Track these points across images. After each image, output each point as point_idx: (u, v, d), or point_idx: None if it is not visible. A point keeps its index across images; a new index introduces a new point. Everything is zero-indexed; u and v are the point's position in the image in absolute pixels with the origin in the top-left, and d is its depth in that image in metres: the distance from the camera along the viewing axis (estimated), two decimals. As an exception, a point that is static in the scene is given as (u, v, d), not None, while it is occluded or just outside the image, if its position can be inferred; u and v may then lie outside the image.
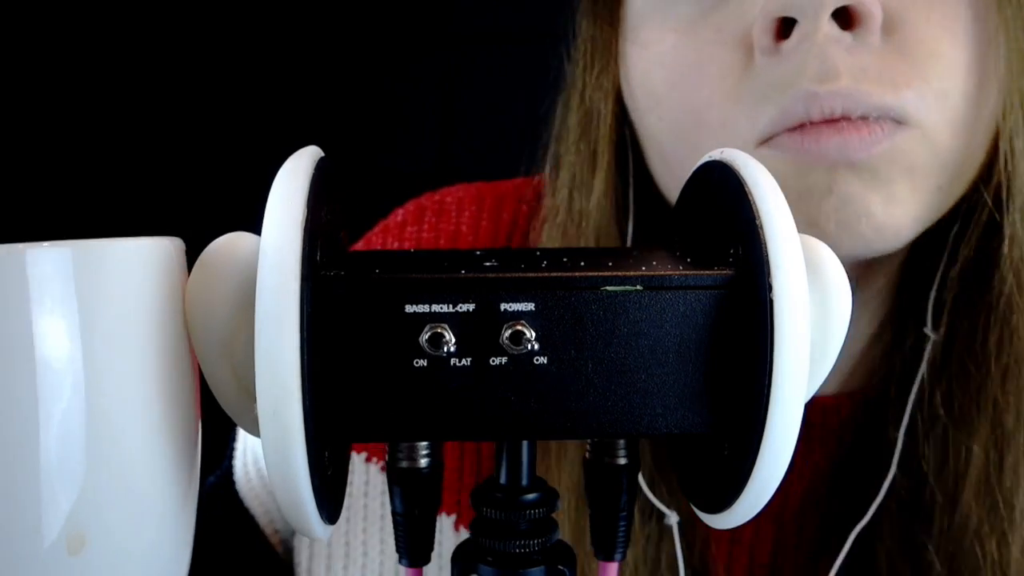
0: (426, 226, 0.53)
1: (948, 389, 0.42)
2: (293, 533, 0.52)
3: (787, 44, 0.35)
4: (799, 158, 0.36)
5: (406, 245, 0.53)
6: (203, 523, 0.49)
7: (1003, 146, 0.38)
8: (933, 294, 0.42)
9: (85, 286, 0.21)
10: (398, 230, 0.54)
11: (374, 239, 0.55)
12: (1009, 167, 0.38)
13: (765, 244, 0.23)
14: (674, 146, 0.41)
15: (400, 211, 0.56)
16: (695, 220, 0.29)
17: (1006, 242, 0.39)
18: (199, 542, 0.46)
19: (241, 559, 0.51)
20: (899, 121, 0.36)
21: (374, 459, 0.50)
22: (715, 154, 0.28)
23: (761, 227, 0.23)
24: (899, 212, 0.37)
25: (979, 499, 0.41)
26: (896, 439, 0.43)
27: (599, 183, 0.44)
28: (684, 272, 0.24)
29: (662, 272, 0.24)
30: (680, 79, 0.39)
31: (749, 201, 0.24)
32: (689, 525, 0.45)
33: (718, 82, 0.38)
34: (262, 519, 0.52)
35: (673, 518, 0.43)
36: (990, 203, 0.39)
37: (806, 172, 0.37)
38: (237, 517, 0.52)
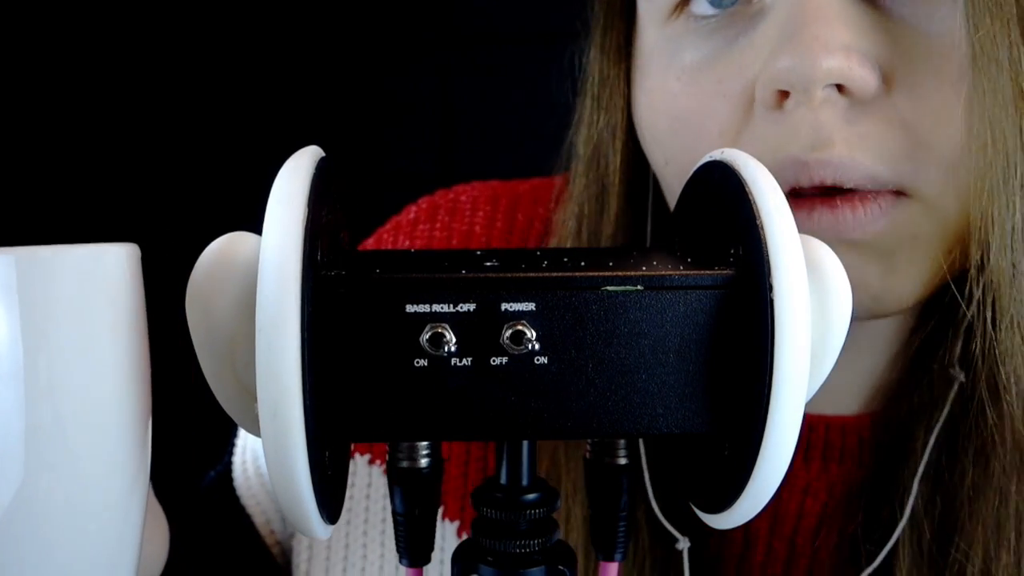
0: (438, 224, 0.52)
1: (958, 458, 0.41)
2: (291, 535, 0.51)
3: (787, 104, 0.35)
4: None
5: (417, 243, 0.52)
6: (199, 520, 0.49)
7: (974, 233, 0.35)
8: (962, 335, 0.40)
9: (29, 293, 0.21)
10: (410, 228, 0.53)
11: (385, 236, 0.54)
12: (987, 268, 0.35)
13: (765, 244, 0.23)
14: (680, 189, 0.41)
15: (413, 208, 0.55)
16: (695, 220, 0.29)
17: (976, 341, 0.37)
18: (193, 538, 0.46)
19: (235, 559, 0.51)
20: (897, 193, 0.35)
21: (377, 461, 0.50)
22: (715, 154, 0.28)
23: (761, 227, 0.23)
24: (899, 282, 0.36)
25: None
26: (909, 480, 0.42)
27: (607, 220, 0.44)
28: (684, 272, 0.24)
29: (662, 272, 0.24)
30: (682, 127, 0.39)
31: (749, 201, 0.24)
32: (699, 549, 0.45)
33: (716, 137, 0.37)
34: (258, 519, 0.52)
35: (684, 543, 0.43)
36: (963, 303, 0.36)
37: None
38: (233, 517, 0.52)
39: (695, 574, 0.44)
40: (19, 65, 1.23)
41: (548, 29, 0.46)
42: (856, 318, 0.33)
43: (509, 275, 0.24)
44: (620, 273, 0.24)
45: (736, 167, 0.26)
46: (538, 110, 0.46)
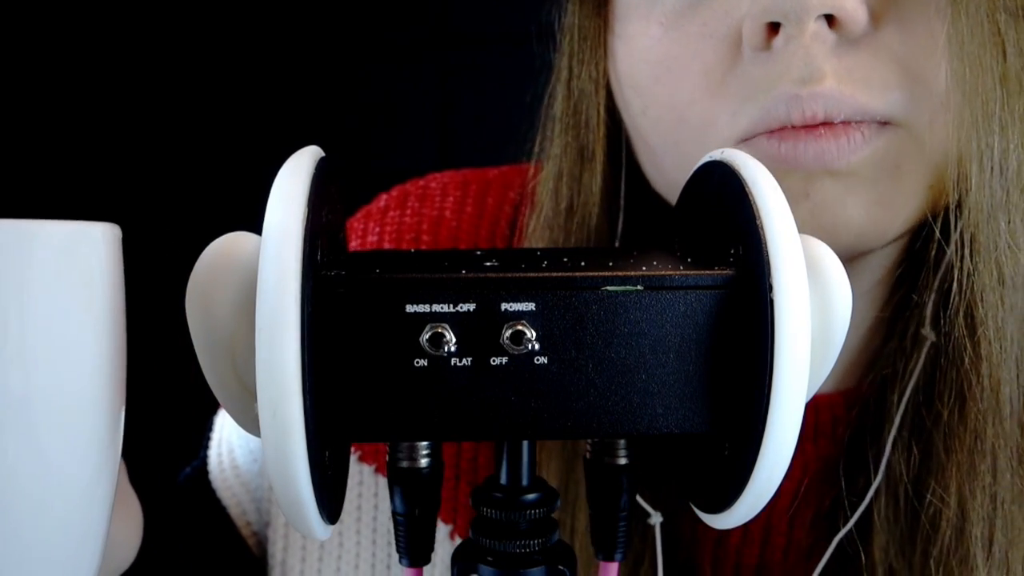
0: (408, 211, 0.52)
1: (930, 408, 0.41)
2: (266, 525, 0.51)
3: (775, 42, 0.35)
4: (774, 164, 0.35)
5: (387, 230, 0.52)
6: (176, 514, 0.49)
7: (951, 172, 0.35)
8: (932, 294, 0.40)
9: (4, 265, 0.21)
10: (380, 215, 0.53)
11: (355, 224, 0.53)
12: (966, 205, 0.35)
13: (765, 244, 0.23)
14: (657, 141, 0.40)
15: (384, 196, 0.54)
16: (695, 220, 0.29)
17: (955, 284, 0.37)
18: (171, 533, 0.46)
19: (212, 551, 0.51)
20: (883, 122, 0.35)
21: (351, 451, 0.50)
22: (715, 154, 0.28)
23: (761, 227, 0.23)
24: (882, 214, 0.36)
25: (960, 531, 0.39)
26: (884, 444, 0.42)
27: (591, 177, 0.43)
28: (685, 272, 0.24)
29: (663, 272, 0.24)
30: (664, 73, 0.38)
31: (749, 201, 0.24)
32: (673, 525, 0.45)
33: (701, 78, 0.37)
34: (234, 511, 0.52)
35: (656, 518, 0.43)
36: (938, 234, 0.37)
37: (781, 176, 0.35)
38: (209, 510, 0.52)
39: (671, 555, 0.44)
40: (27, 63, 1.23)
41: (548, 30, 0.45)
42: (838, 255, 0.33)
43: (509, 275, 0.24)
44: (620, 273, 0.24)
45: (736, 167, 0.26)
46: (537, 111, 0.46)
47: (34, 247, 0.22)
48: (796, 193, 0.36)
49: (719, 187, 0.27)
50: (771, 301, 0.23)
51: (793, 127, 0.35)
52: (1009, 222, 0.35)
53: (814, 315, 0.24)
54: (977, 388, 0.38)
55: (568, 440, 0.42)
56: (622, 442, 0.28)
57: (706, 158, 0.29)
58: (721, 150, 0.28)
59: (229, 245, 0.24)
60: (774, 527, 0.46)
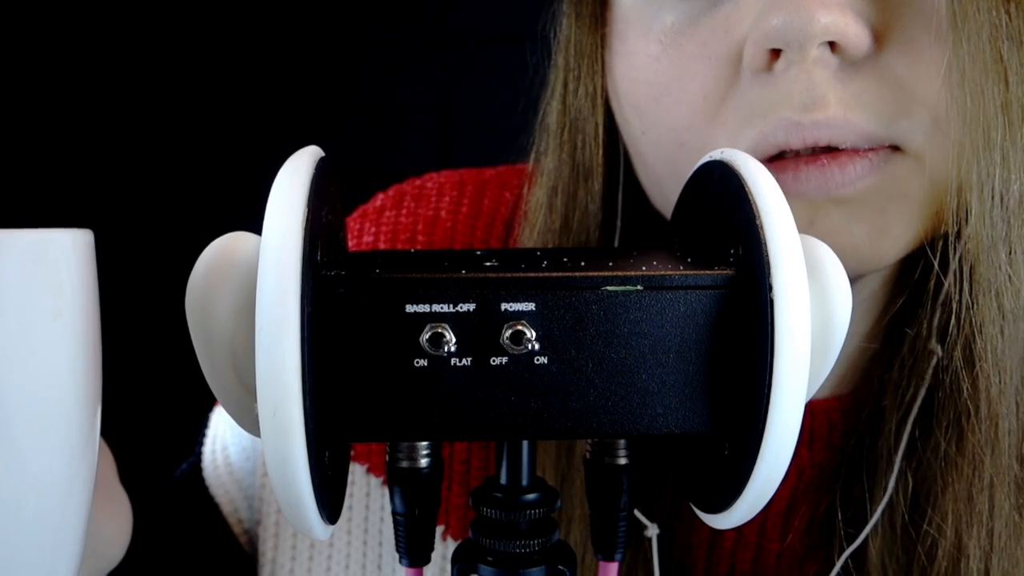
0: (404, 211, 0.52)
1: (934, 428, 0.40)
2: (257, 523, 0.52)
3: (776, 65, 0.34)
4: None
5: (383, 230, 0.52)
6: (168, 511, 0.50)
7: (950, 201, 0.34)
8: (939, 308, 0.39)
9: None
10: (376, 215, 0.53)
11: (352, 224, 0.53)
12: (965, 235, 0.34)
13: (765, 244, 0.23)
14: (656, 162, 0.40)
15: (380, 196, 0.54)
16: (695, 220, 0.29)
17: (952, 311, 0.36)
18: (163, 530, 0.46)
19: (203, 548, 0.51)
20: (893, 148, 0.34)
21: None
22: (715, 154, 0.28)
23: (761, 227, 0.23)
24: (887, 243, 0.36)
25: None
26: (890, 456, 0.42)
27: (588, 195, 0.43)
28: (685, 272, 0.24)
29: (663, 272, 0.24)
30: (663, 94, 0.38)
31: (749, 201, 0.24)
32: (667, 531, 0.45)
33: (700, 102, 0.36)
34: (226, 508, 0.52)
35: (653, 530, 0.43)
36: (936, 266, 0.36)
37: None
38: (202, 507, 0.52)
39: (665, 562, 0.44)
40: (28, 67, 1.23)
41: (549, 30, 0.45)
42: None
43: (509, 275, 0.24)
44: (620, 273, 0.24)
45: (736, 167, 0.26)
46: (537, 111, 0.46)
47: (2, 255, 0.22)
48: (801, 221, 0.34)
49: (719, 187, 0.27)
50: (771, 301, 0.23)
51: (796, 156, 0.34)
52: (1010, 254, 0.35)
53: (814, 315, 0.24)
54: (976, 420, 0.37)
55: (568, 440, 0.42)
56: (622, 442, 0.28)
57: (706, 158, 0.29)
58: (721, 150, 0.28)
59: (229, 245, 0.24)
60: (768, 532, 0.46)
